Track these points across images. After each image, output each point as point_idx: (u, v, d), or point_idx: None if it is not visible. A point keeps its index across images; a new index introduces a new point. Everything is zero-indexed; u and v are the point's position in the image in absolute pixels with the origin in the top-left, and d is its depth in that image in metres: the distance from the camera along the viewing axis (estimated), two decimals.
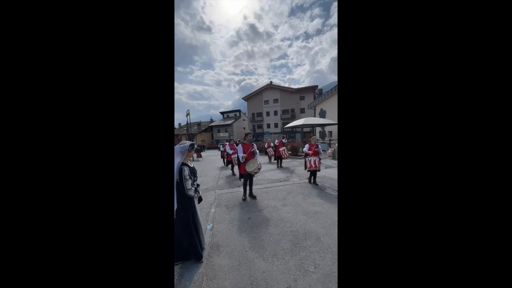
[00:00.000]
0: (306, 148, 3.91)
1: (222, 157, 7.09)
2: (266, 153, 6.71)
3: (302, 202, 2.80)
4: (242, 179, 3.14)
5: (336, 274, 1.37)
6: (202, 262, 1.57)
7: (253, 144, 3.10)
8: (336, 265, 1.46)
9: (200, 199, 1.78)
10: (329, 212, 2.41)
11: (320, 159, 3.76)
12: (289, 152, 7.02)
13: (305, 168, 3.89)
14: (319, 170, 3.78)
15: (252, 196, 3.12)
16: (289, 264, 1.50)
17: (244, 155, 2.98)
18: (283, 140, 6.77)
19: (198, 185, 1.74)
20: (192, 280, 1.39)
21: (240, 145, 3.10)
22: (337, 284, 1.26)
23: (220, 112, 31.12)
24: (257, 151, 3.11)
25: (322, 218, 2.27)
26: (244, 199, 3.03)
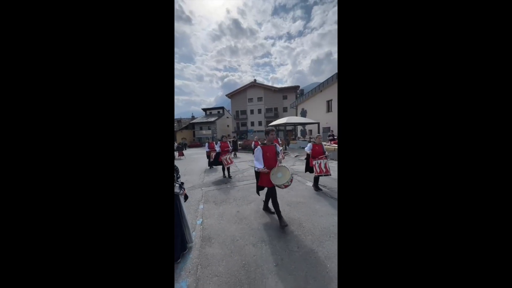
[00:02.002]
0: (308, 148, 3.17)
1: (208, 156, 6.10)
2: (254, 153, 6.21)
3: (286, 195, 3.04)
4: (263, 194, 2.31)
5: (316, 250, 1.61)
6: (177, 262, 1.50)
7: (276, 146, 2.15)
8: (316, 244, 1.71)
9: (186, 197, 1.82)
10: (310, 202, 2.71)
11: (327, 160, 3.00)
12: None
13: (306, 171, 3.33)
14: (329, 175, 3.00)
15: (268, 210, 2.33)
16: (276, 247, 1.69)
17: (263, 169, 1.96)
18: (279, 139, 5.76)
19: (182, 183, 1.78)
20: (186, 269, 1.46)
21: (259, 146, 2.08)
22: (316, 259, 1.50)
23: (202, 109, 29.97)
24: (280, 152, 2.23)
25: (304, 207, 2.55)
26: (285, 225, 1.96)
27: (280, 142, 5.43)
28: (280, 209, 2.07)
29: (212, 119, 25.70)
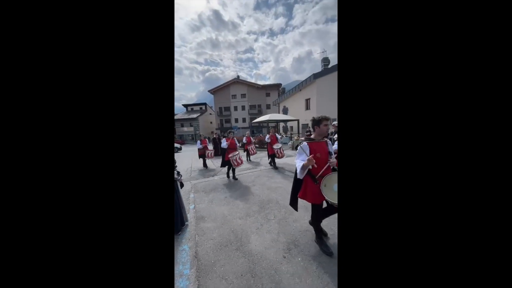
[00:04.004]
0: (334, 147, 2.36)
1: (201, 155, 5.36)
2: (245, 150, 5.67)
3: (267, 182, 3.56)
4: (312, 215, 1.57)
5: (287, 217, 2.14)
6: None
7: (327, 142, 1.50)
8: (287, 214, 2.23)
9: (181, 185, 2.16)
10: (286, 186, 3.26)
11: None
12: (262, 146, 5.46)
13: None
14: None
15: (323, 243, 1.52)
16: (258, 218, 2.17)
17: (308, 161, 1.31)
18: (277, 134, 4.98)
19: (178, 171, 2.10)
20: (186, 238, 1.84)
21: (305, 143, 1.45)
22: (286, 222, 2.03)
23: (183, 105, 28.71)
24: (334, 152, 1.53)
25: (281, 190, 3.09)
26: (330, 253, 1.43)
27: (279, 138, 4.93)
28: (261, 192, 2.45)
29: (194, 115, 24.94)
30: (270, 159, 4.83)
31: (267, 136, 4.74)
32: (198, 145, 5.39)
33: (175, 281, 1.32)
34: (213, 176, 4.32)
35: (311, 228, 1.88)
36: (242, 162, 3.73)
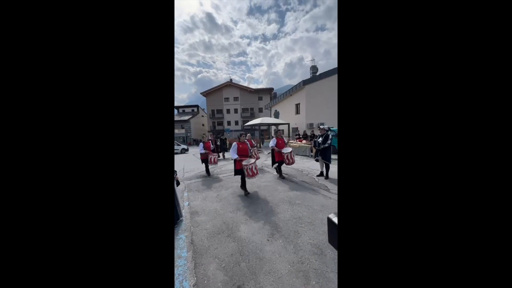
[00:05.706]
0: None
1: (204, 160, 4.58)
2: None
3: (257, 182, 3.84)
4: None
5: (273, 210, 2.43)
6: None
7: None
8: (274, 207, 2.53)
9: (177, 183, 2.38)
10: (274, 185, 3.57)
11: None
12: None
13: None
14: None
15: None
16: (247, 211, 2.44)
17: None
18: (284, 136, 4.47)
19: (175, 170, 2.33)
20: (182, 229, 2.05)
21: None
22: (272, 214, 2.32)
23: (174, 107, 28.26)
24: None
25: (269, 188, 3.38)
26: None
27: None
28: (251, 191, 2.73)
29: (186, 117, 24.68)
30: (276, 165, 4.07)
31: (273, 139, 3.99)
32: (201, 149, 4.51)
33: (174, 261, 1.54)
34: (205, 177, 4.51)
35: (292, 218, 2.19)
36: (257, 173, 2.96)
